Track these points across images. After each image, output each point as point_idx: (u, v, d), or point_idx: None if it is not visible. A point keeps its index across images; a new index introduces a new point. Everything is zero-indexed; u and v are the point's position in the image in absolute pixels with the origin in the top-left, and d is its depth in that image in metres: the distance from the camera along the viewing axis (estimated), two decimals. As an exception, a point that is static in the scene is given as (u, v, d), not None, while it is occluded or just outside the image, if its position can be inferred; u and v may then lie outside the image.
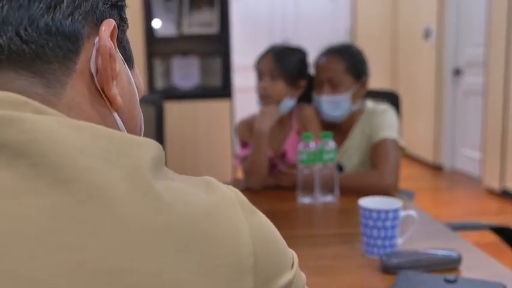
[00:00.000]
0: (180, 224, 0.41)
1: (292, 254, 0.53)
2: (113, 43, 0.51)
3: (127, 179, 0.41)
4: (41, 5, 0.46)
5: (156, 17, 3.43)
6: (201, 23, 3.51)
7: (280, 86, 1.78)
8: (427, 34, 5.16)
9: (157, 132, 2.21)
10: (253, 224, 0.46)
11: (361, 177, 1.71)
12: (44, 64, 0.47)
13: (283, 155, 1.81)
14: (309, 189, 1.62)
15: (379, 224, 1.14)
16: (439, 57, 4.98)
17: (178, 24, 3.49)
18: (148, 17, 3.34)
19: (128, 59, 0.57)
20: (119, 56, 0.54)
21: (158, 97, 2.35)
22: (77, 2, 0.48)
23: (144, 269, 0.38)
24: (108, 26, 0.50)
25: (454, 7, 4.83)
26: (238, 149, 1.84)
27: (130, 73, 0.57)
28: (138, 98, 0.59)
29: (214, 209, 0.44)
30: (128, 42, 0.58)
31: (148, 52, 3.38)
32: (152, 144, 0.45)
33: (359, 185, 1.66)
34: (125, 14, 0.57)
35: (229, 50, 3.45)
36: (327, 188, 1.62)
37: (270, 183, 1.78)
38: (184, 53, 3.52)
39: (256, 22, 5.66)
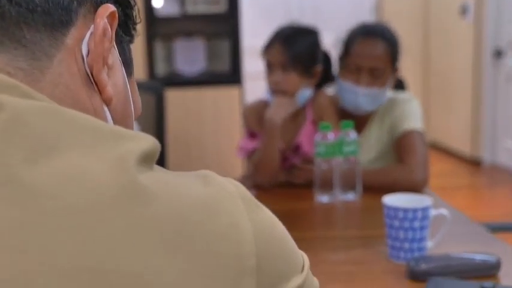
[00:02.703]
0: (169, 218, 0.41)
1: (302, 256, 0.52)
2: (111, 30, 0.52)
3: (109, 172, 0.41)
4: None
5: (157, -6, 3.44)
6: (207, 0, 3.51)
7: (293, 78, 1.74)
8: (463, 10, 5.10)
9: (157, 123, 2.22)
10: (256, 220, 0.46)
11: (387, 173, 1.70)
12: (30, 31, 0.47)
13: (297, 148, 1.80)
14: (327, 186, 1.61)
15: (406, 224, 1.13)
16: (478, 36, 4.92)
17: (182, 2, 3.49)
18: (148, -6, 3.35)
19: (128, 64, 0.58)
20: (115, 52, 0.55)
21: (158, 84, 2.36)
22: None
23: (126, 269, 0.39)
24: (106, 9, 0.51)
25: (494, -21, 4.78)
26: (244, 139, 1.83)
27: (127, 79, 0.58)
28: (133, 110, 0.59)
29: (211, 202, 0.44)
30: (129, 47, 0.59)
31: (148, 34, 3.38)
32: (145, 137, 0.46)
33: (385, 181, 1.65)
34: (132, 23, 0.58)
35: (239, 31, 3.45)
36: (348, 185, 1.62)
37: (282, 180, 1.77)
38: (188, 35, 3.52)
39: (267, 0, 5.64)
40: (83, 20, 0.50)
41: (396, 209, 1.14)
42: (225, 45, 3.56)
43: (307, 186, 1.70)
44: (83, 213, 0.39)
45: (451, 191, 4.25)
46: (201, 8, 3.50)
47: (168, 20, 3.46)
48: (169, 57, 3.58)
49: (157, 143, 0.46)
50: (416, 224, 1.13)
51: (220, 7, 3.48)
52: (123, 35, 0.57)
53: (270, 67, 1.77)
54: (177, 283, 0.40)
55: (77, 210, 0.39)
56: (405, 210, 1.13)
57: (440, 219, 1.20)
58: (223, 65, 3.57)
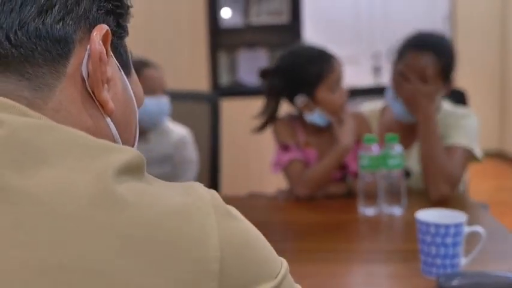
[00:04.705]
0: (138, 224, 0.46)
1: (280, 263, 0.55)
2: (106, 48, 0.57)
3: (89, 182, 0.46)
4: (32, 9, 0.53)
5: (221, 6, 3.52)
6: (270, 11, 3.56)
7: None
8: (541, 19, 4.90)
9: (212, 133, 2.27)
10: (226, 228, 0.50)
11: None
12: (33, 67, 0.53)
13: (344, 168, 1.81)
14: (371, 198, 1.62)
15: (438, 240, 1.13)
16: (556, 46, 4.72)
17: (245, 13, 3.57)
18: (212, 6, 3.44)
19: (125, 66, 0.63)
20: (113, 62, 0.60)
21: (214, 94, 2.42)
22: (69, 7, 0.55)
23: (93, 268, 0.44)
24: (100, 30, 0.56)
25: None
26: (278, 153, 1.85)
27: (127, 80, 0.63)
28: (135, 105, 0.65)
29: (183, 211, 0.48)
30: (126, 49, 0.64)
31: (212, 44, 3.47)
32: (128, 150, 0.51)
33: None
34: (124, 21, 0.63)
35: (301, 42, 3.48)
36: (393, 198, 1.61)
37: (319, 195, 1.79)
38: (252, 45, 3.59)
39: (334, 9, 5.61)
40: (80, 45, 0.56)
41: (428, 225, 1.14)
42: (287, 56, 3.60)
43: (352, 197, 1.71)
44: (62, 218, 0.45)
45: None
46: (264, 19, 3.56)
47: (232, 31, 3.54)
48: (232, 68, 3.66)
49: (139, 155, 0.51)
50: (449, 240, 1.13)
51: (283, 18, 3.53)
52: (118, 41, 0.62)
53: (338, 82, 1.79)
54: (138, 282, 0.44)
55: (57, 216, 0.45)
56: (437, 226, 1.13)
57: (480, 236, 1.18)
58: (286, 76, 3.61)
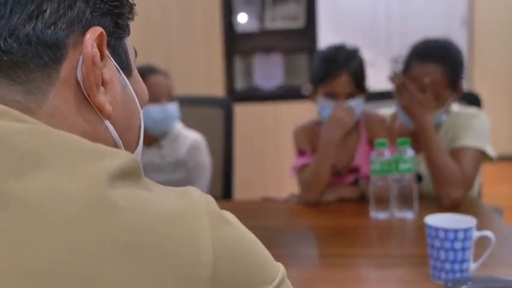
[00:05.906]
0: (130, 228, 0.46)
1: (278, 268, 0.55)
2: (102, 50, 0.56)
3: (83, 188, 0.46)
4: (23, 16, 0.53)
5: (236, 11, 3.54)
6: (285, 16, 3.57)
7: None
8: (561, 21, 4.84)
9: (226, 137, 2.28)
10: (219, 234, 0.49)
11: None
12: (25, 73, 0.53)
13: (355, 170, 1.81)
14: (383, 203, 1.61)
15: (447, 245, 1.13)
16: None
17: (261, 18, 3.58)
18: (227, 11, 3.46)
19: (125, 67, 0.62)
20: (111, 63, 0.59)
21: (227, 99, 2.44)
22: (61, 11, 0.54)
23: (79, 272, 0.44)
24: (93, 33, 0.56)
25: None
26: (295, 159, 1.86)
27: (127, 81, 0.62)
28: (138, 106, 0.64)
29: (176, 215, 0.48)
30: (125, 49, 0.62)
31: (227, 49, 3.49)
32: (122, 155, 0.51)
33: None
34: (124, 21, 0.61)
35: (317, 46, 3.48)
36: (405, 203, 1.60)
37: (331, 199, 1.78)
38: (267, 50, 3.60)
39: (350, 12, 5.58)
40: (73, 49, 0.55)
41: (437, 229, 1.14)
42: (303, 61, 3.61)
43: (364, 202, 1.70)
44: (53, 222, 0.45)
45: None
46: (280, 24, 3.57)
47: (247, 36, 3.56)
48: (248, 72, 3.68)
49: (134, 159, 0.51)
50: (458, 245, 1.12)
51: (299, 23, 3.54)
52: (116, 42, 0.60)
53: (333, 96, 1.77)
54: (126, 286, 0.44)
55: (48, 220, 0.45)
56: (446, 231, 1.13)
57: (490, 241, 1.18)
58: (301, 80, 3.61)
